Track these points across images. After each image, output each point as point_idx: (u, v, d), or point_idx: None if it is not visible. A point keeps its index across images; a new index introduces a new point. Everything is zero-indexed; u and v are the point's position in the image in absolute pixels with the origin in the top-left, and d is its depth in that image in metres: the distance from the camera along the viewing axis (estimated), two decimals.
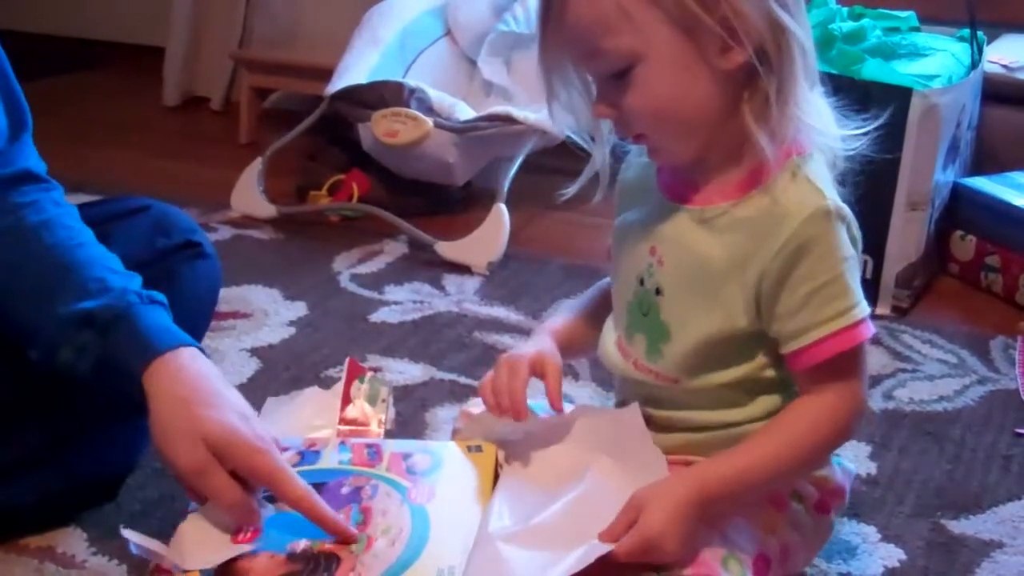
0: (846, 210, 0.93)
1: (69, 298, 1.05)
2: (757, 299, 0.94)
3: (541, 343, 1.08)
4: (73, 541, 1.14)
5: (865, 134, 0.96)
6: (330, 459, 1.07)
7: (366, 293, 1.80)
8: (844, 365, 0.94)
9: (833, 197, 0.93)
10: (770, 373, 0.98)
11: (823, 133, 0.95)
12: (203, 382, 1.02)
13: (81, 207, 1.29)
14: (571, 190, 1.04)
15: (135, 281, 1.09)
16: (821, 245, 0.91)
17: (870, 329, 0.94)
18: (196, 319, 1.26)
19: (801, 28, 0.91)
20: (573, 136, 1.03)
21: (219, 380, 1.05)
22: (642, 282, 1.01)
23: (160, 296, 1.09)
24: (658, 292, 0.99)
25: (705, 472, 0.94)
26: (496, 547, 0.92)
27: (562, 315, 1.15)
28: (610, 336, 1.07)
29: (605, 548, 0.88)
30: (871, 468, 1.30)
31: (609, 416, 1.07)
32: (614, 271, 1.07)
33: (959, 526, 1.21)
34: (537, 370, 1.05)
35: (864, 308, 0.94)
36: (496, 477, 1.04)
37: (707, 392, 0.99)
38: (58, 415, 1.13)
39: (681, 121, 0.93)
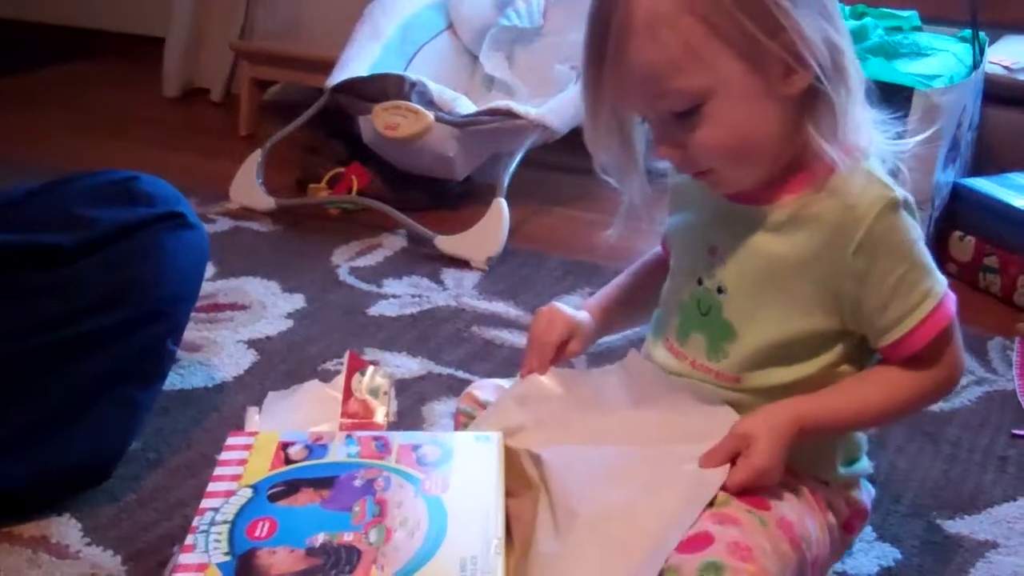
0: (908, 195, 0.95)
1: None
2: (837, 297, 0.95)
3: (583, 317, 1.11)
4: (67, 531, 1.14)
5: (905, 133, 0.97)
6: (338, 452, 1.06)
7: (365, 286, 1.80)
8: (941, 341, 0.95)
9: (895, 186, 0.94)
10: (843, 370, 0.98)
11: (874, 137, 0.96)
12: None
13: (67, 178, 1.29)
14: (613, 232, 1.05)
15: None
16: (896, 236, 0.93)
17: (954, 298, 0.96)
18: (182, 289, 1.26)
19: (848, 43, 0.93)
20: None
21: None
22: (700, 281, 1.01)
23: None
24: (720, 291, 0.99)
25: (807, 407, 0.95)
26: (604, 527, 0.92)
27: (601, 297, 1.16)
28: (656, 339, 1.07)
29: (719, 481, 0.91)
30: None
31: (613, 371, 1.07)
32: (669, 272, 1.08)
33: (955, 526, 1.21)
34: (566, 337, 1.09)
35: (943, 279, 0.96)
36: (505, 469, 1.04)
37: (765, 394, 0.98)
38: (47, 396, 1.13)
39: (752, 152, 0.93)
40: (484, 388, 1.14)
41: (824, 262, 0.94)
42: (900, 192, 0.93)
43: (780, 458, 0.92)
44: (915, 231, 0.94)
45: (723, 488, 0.91)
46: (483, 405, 1.10)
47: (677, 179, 1.05)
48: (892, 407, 0.98)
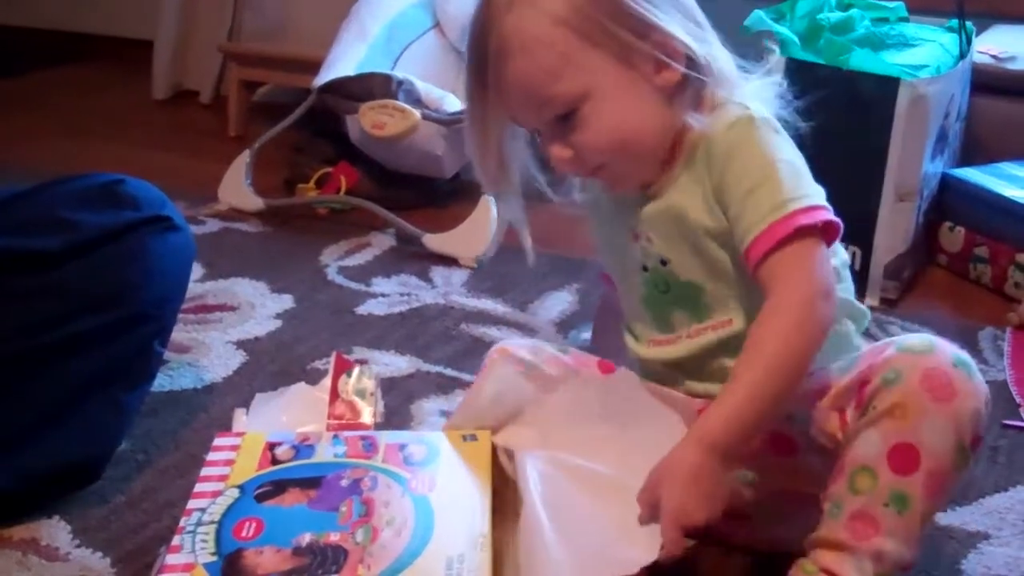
0: (773, 120, 0.98)
1: None
2: (724, 213, 0.98)
3: None
4: (56, 533, 1.14)
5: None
6: (325, 453, 1.07)
7: (353, 285, 1.80)
8: (790, 255, 0.93)
9: (758, 109, 0.97)
10: None
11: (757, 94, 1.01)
12: None
13: (55, 181, 1.29)
14: (530, 259, 1.17)
15: None
16: (746, 148, 0.96)
17: (816, 217, 0.93)
18: (169, 291, 1.26)
19: (712, 35, 1.00)
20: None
21: None
22: (645, 268, 1.04)
23: None
24: (664, 263, 1.03)
25: (705, 427, 0.90)
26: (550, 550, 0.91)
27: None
28: (639, 345, 1.09)
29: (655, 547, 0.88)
30: None
31: (596, 385, 1.07)
32: (617, 287, 1.11)
33: (946, 517, 1.20)
34: None
35: (805, 200, 0.93)
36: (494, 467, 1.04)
37: None
38: (35, 398, 1.13)
39: (635, 144, 0.99)
40: (522, 346, 1.14)
41: (705, 186, 0.98)
42: (759, 112, 0.97)
43: (694, 492, 0.88)
44: (776, 151, 0.95)
45: (664, 547, 0.87)
46: (520, 361, 1.10)
47: (586, 197, 1.11)
48: (784, 359, 0.90)
